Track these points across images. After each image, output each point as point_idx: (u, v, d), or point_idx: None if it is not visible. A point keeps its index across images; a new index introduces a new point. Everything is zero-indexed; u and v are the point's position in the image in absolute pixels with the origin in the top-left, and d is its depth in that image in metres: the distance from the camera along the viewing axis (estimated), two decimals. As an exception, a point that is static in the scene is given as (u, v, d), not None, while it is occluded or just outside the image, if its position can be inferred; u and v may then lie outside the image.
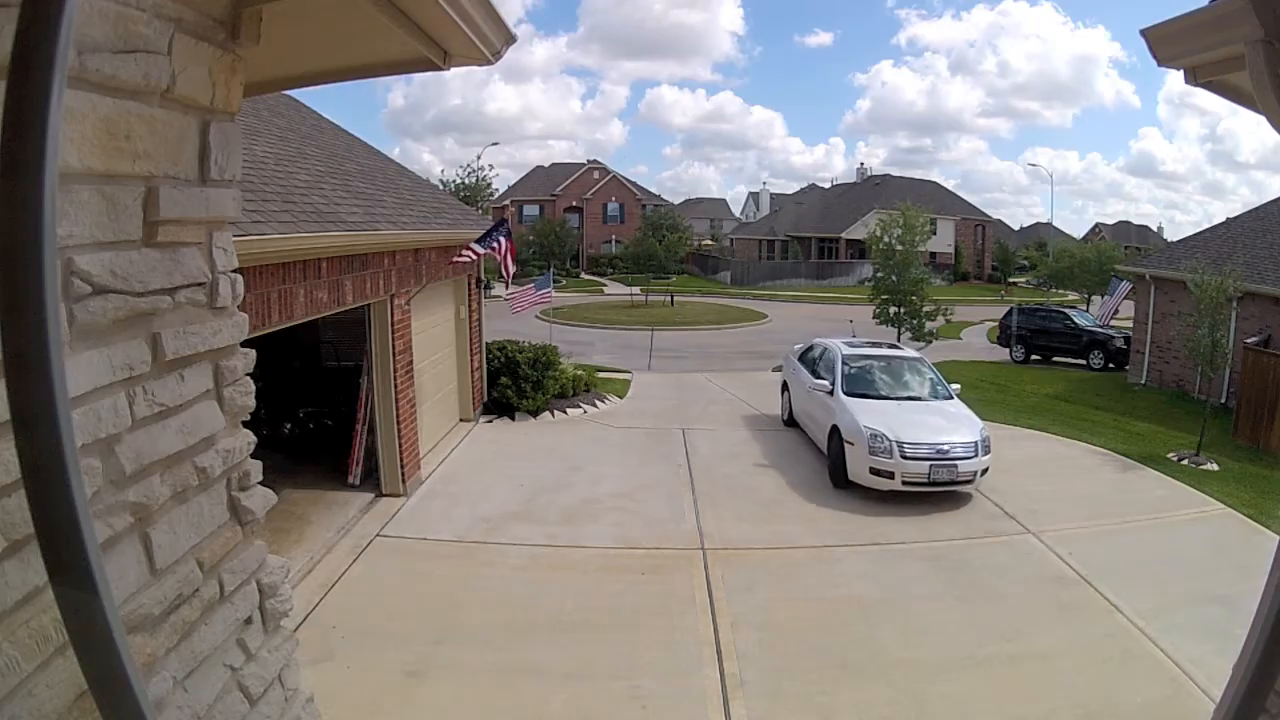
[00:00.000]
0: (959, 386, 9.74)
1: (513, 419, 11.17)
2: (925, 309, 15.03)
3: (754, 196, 70.99)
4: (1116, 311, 17.11)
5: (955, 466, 7.84)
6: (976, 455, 8.01)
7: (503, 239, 9.27)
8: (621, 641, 5.21)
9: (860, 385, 9.32)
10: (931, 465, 7.81)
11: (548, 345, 12.33)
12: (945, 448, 7.94)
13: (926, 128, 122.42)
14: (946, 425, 8.36)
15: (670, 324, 25.81)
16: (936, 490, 7.92)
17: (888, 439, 7.94)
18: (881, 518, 7.56)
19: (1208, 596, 5.81)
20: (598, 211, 53.57)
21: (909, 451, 7.86)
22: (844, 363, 9.67)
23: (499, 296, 14.97)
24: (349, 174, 9.08)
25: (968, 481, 7.96)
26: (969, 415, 8.76)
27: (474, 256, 9.01)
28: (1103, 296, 27.33)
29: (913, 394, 9.32)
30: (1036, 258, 32.80)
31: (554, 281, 18.11)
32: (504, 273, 9.81)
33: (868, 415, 8.41)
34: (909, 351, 10.41)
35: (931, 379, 9.64)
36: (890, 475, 7.87)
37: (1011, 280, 42.85)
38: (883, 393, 9.20)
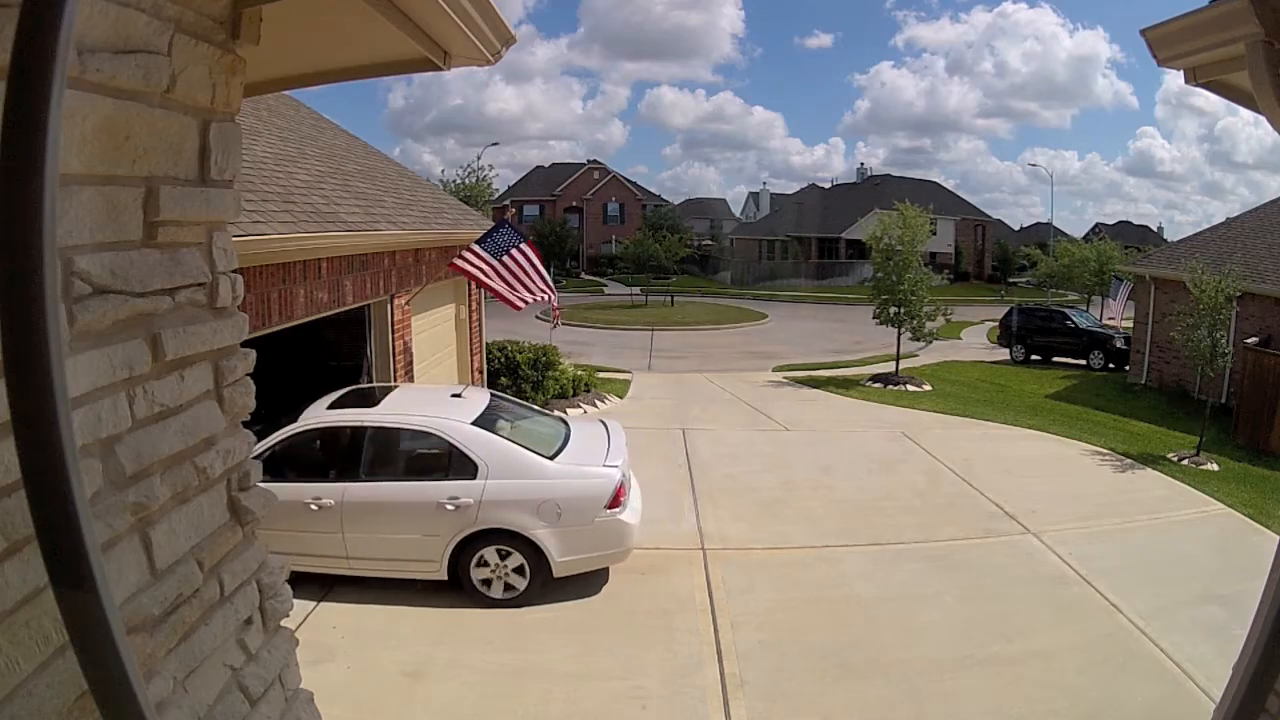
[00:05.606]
0: None
1: (513, 419, 11.16)
2: (925, 309, 15.01)
3: (754, 196, 70.93)
4: (1125, 309, 17.24)
5: None
6: None
7: (531, 256, 8.24)
8: (622, 641, 5.22)
9: None
10: None
11: (548, 345, 12.33)
12: None
13: (925, 128, 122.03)
14: None
15: (670, 324, 25.82)
16: None
17: None
18: (880, 518, 7.55)
19: (1208, 596, 5.81)
20: (598, 212, 53.60)
21: None
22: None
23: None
24: (349, 174, 9.09)
25: None
26: None
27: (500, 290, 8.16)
28: (1103, 297, 27.42)
29: None
30: (1037, 257, 32.90)
31: (555, 282, 18.12)
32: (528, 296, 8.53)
33: None
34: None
35: None
36: None
37: (1011, 280, 42.88)
38: None
